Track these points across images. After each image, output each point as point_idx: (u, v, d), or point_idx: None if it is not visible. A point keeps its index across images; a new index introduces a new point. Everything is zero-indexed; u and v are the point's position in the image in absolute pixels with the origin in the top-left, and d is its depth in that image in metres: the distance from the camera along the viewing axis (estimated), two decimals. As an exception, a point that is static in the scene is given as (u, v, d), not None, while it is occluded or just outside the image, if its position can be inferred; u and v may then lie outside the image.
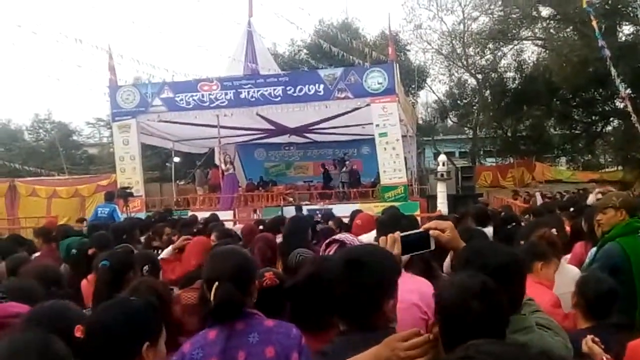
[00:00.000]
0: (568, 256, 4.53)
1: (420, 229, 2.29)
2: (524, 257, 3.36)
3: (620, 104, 24.55)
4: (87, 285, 3.77)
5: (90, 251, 4.42)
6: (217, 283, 2.21)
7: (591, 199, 8.89)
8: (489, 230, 4.72)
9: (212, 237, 5.73)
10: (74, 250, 4.44)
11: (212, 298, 2.21)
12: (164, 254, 5.06)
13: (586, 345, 2.55)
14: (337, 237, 2.88)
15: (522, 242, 3.84)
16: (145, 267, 3.78)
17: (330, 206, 14.55)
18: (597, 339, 2.56)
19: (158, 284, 2.78)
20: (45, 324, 1.87)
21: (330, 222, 7.44)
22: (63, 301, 2.25)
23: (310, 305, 2.26)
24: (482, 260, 1.95)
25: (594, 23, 17.54)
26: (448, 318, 1.68)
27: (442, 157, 16.29)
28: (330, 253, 2.74)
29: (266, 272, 2.75)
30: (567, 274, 3.65)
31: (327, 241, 2.85)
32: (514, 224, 4.34)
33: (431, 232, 2.23)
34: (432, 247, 2.22)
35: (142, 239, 6.76)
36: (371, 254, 1.94)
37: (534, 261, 3.50)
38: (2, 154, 31.78)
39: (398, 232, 2.19)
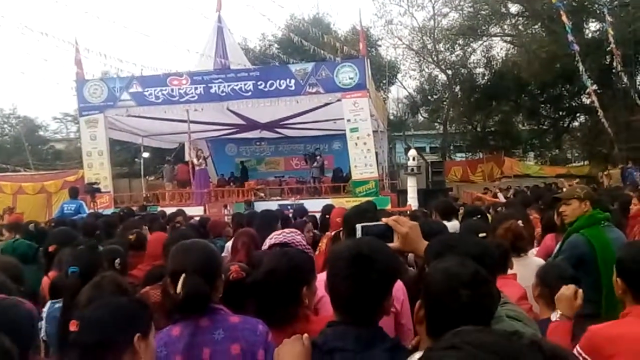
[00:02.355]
0: (536, 249, 4.57)
1: (382, 222, 2.20)
2: (502, 254, 3.38)
3: (586, 100, 24.97)
4: (47, 281, 3.67)
5: (50, 248, 4.31)
6: (184, 275, 2.16)
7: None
8: (454, 224, 4.73)
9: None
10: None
11: (178, 290, 2.14)
12: None
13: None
14: (276, 240, 2.79)
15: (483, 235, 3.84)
16: (117, 261, 3.71)
17: (301, 201, 14.49)
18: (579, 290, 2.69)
19: (121, 279, 2.71)
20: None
21: (304, 218, 7.36)
22: (11, 298, 2.19)
23: (273, 300, 2.22)
24: (456, 252, 1.91)
25: (564, 18, 17.72)
26: (435, 305, 1.63)
27: (413, 152, 16.40)
28: None
29: (232, 266, 2.71)
30: (532, 265, 3.66)
31: (268, 245, 2.80)
32: (479, 215, 4.35)
33: (389, 222, 2.16)
34: (395, 240, 2.13)
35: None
36: (379, 251, 1.88)
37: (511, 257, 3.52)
38: (-35, 149, 31.10)
39: (360, 224, 2.15)
